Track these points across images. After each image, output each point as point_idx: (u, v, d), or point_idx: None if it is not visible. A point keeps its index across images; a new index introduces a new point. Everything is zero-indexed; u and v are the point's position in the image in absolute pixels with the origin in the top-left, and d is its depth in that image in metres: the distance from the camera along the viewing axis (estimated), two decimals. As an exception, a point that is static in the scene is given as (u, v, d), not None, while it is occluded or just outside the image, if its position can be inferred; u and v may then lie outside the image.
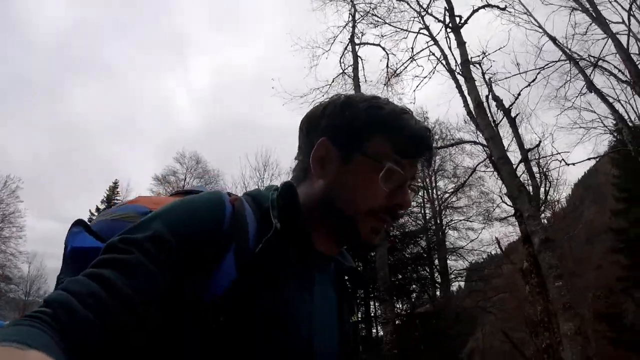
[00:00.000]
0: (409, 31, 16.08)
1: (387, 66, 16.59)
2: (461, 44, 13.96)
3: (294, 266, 0.91)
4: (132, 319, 0.70)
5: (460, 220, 23.44)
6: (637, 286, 18.55)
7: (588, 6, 16.66)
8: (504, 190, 20.97)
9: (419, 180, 0.91)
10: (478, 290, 22.93)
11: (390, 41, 17.09)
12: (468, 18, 14.89)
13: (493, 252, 23.73)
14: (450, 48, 15.06)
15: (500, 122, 14.97)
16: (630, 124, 16.34)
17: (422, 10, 15.64)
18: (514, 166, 12.69)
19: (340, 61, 17.29)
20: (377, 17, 16.26)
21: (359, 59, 17.28)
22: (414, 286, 18.99)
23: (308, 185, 0.99)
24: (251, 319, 0.79)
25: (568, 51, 17.11)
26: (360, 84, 16.60)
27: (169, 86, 63.45)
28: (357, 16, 17.16)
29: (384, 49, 16.78)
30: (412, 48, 15.92)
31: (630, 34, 15.96)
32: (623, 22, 16.33)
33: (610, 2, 17.08)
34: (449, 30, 14.77)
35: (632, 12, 15.96)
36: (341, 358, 0.98)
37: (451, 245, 23.33)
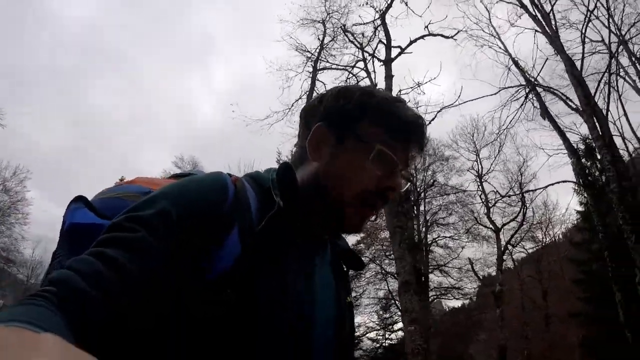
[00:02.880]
0: (345, 67, 16.50)
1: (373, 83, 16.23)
2: (388, 77, 14.15)
3: (296, 245, 0.92)
4: (138, 298, 0.69)
5: (447, 238, 23.38)
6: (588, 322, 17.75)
7: (547, 29, 16.23)
8: (484, 210, 21.14)
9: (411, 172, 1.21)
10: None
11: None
12: (405, 48, 15.09)
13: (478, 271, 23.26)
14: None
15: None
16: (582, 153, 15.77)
17: (361, 45, 15.97)
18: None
19: (301, 86, 17.09)
20: (320, 59, 16.74)
21: (322, 83, 16.98)
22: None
23: (304, 169, 1.01)
24: (254, 296, 0.80)
25: (528, 75, 16.77)
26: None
27: (191, 86, 64.67)
28: (326, 40, 17.47)
29: (350, 71, 16.64)
30: (346, 80, 16.19)
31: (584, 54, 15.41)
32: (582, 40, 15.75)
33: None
34: (380, 63, 15.01)
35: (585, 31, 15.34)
36: (338, 338, 0.99)
37: (435, 262, 23.23)
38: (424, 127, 1.01)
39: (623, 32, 17.57)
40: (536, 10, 16.68)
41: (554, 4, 16.15)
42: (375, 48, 15.47)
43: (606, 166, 14.03)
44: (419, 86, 14.70)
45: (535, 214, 22.01)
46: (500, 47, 17.70)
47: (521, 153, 20.18)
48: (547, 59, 15.91)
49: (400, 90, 14.50)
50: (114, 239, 0.73)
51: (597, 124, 14.38)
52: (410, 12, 15.37)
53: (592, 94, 14.76)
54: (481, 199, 21.10)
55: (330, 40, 17.10)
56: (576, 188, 17.30)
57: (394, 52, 15.03)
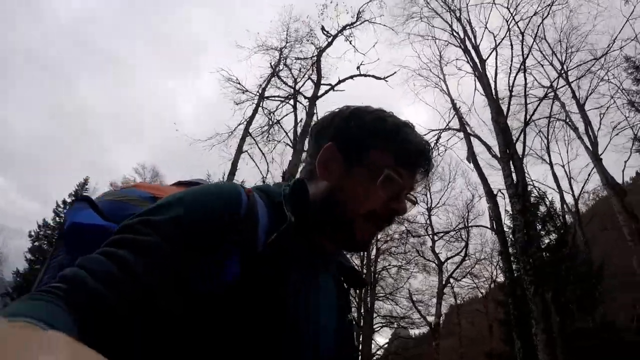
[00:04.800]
0: (282, 99, 17.05)
1: (295, 122, 16.74)
2: (309, 114, 14.83)
3: (303, 261, 0.94)
4: (146, 301, 0.68)
5: (396, 267, 23.60)
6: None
7: (482, 74, 16.63)
8: (429, 243, 21.50)
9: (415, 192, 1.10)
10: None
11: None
12: (334, 86, 15.68)
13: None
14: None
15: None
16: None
17: (295, 79, 16.75)
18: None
19: (244, 112, 17.37)
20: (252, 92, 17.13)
21: (268, 110, 17.44)
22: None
23: (313, 187, 1.02)
24: (259, 310, 0.80)
25: (464, 120, 17.19)
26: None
27: (178, 91, 63.25)
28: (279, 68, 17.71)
29: (287, 102, 17.16)
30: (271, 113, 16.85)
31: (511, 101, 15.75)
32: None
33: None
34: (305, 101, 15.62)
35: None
36: (340, 357, 0.99)
37: (382, 290, 23.57)
38: (430, 153, 1.04)
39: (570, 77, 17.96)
40: (476, 56, 17.13)
41: (496, 47, 16.56)
42: (303, 84, 16.24)
43: (514, 215, 14.31)
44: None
45: (485, 249, 22.25)
46: (443, 89, 18.28)
47: (471, 190, 20.53)
48: (453, 106, 16.18)
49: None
50: (126, 241, 0.73)
51: (513, 172, 14.71)
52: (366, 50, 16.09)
53: (521, 141, 15.07)
54: (427, 232, 21.50)
55: (280, 70, 17.59)
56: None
57: (325, 89, 15.68)
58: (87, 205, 0.95)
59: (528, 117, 15.22)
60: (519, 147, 14.79)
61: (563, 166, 21.32)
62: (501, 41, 16.85)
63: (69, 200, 26.99)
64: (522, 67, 15.83)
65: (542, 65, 19.01)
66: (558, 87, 18.43)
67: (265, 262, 0.83)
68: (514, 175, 14.60)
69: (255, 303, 0.80)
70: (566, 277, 14.63)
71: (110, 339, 0.63)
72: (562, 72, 18.12)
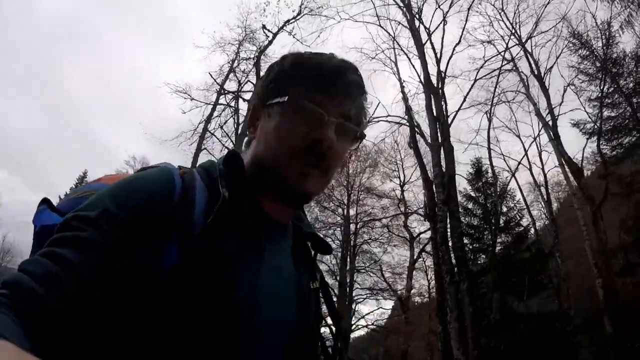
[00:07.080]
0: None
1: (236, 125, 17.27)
2: (236, 110, 15.67)
3: (245, 235, 0.89)
4: (90, 297, 0.69)
5: (376, 240, 24.06)
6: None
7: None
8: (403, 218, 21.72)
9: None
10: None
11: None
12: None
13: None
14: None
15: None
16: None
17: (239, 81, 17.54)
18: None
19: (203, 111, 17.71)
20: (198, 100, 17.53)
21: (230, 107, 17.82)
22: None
23: (250, 150, 1.01)
24: (198, 292, 0.79)
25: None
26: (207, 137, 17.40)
27: (167, 73, 64.15)
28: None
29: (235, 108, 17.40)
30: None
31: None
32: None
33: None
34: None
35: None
36: (301, 327, 0.96)
37: (363, 263, 24.21)
38: (345, 70, 0.98)
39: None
40: (417, 39, 16.87)
41: (430, 32, 16.24)
42: (241, 88, 16.89)
43: (438, 204, 14.47)
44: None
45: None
46: (394, 71, 18.22)
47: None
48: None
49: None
50: (64, 239, 0.74)
51: (443, 160, 14.77)
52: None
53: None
54: (399, 208, 21.78)
55: (237, 66, 18.12)
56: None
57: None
58: (46, 206, 0.97)
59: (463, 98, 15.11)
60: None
61: (534, 138, 20.80)
62: (441, 22, 16.55)
63: (70, 193, 28.45)
64: (457, 43, 15.55)
65: (503, 38, 18.52)
66: (515, 56, 18.01)
67: (202, 244, 0.82)
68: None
69: (193, 286, 0.79)
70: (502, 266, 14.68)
71: (59, 340, 0.65)
72: (517, 37, 17.59)
